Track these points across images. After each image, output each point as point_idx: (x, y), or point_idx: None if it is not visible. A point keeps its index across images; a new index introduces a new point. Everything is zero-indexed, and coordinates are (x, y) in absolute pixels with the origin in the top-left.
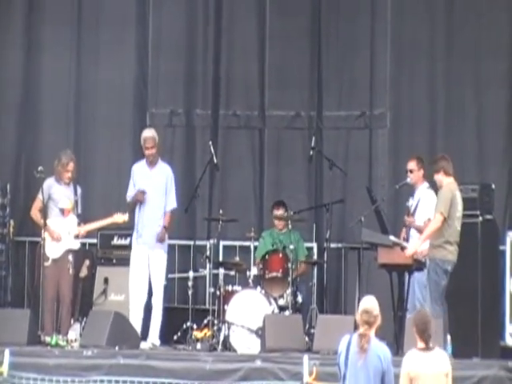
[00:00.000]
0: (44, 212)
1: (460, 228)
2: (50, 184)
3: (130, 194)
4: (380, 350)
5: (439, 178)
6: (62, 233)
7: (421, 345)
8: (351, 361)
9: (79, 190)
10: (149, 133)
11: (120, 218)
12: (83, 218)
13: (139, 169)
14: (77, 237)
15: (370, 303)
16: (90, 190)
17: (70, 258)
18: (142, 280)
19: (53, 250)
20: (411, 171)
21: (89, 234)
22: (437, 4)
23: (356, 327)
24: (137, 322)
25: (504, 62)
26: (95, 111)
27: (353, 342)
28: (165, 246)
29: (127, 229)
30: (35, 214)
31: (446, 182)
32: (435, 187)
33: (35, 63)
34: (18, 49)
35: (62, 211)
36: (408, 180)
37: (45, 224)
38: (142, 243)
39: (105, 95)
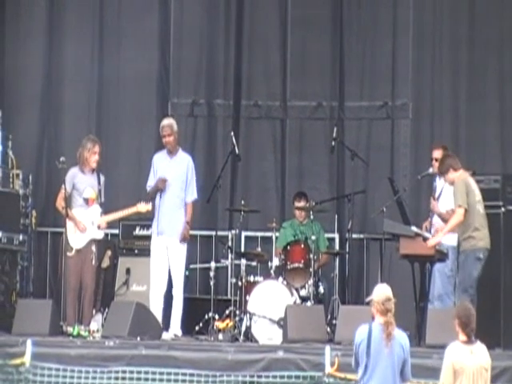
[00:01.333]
0: (68, 201)
1: (483, 211)
2: (74, 173)
3: (150, 184)
4: (401, 338)
5: (449, 176)
6: (86, 223)
7: (463, 337)
8: (375, 350)
9: (102, 179)
10: (165, 121)
11: (143, 207)
12: (105, 208)
13: (160, 158)
14: (99, 227)
15: (388, 290)
16: (112, 180)
17: (94, 248)
18: (162, 270)
19: (76, 240)
20: (436, 160)
21: (111, 224)
22: None
23: (372, 316)
24: (157, 312)
25: None
26: (117, 102)
27: (374, 331)
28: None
29: (149, 219)
30: (60, 203)
31: (455, 175)
32: None
33: (57, 54)
34: (40, 39)
35: (87, 201)
36: (430, 170)
37: (67, 214)
38: (162, 233)
39: (127, 85)
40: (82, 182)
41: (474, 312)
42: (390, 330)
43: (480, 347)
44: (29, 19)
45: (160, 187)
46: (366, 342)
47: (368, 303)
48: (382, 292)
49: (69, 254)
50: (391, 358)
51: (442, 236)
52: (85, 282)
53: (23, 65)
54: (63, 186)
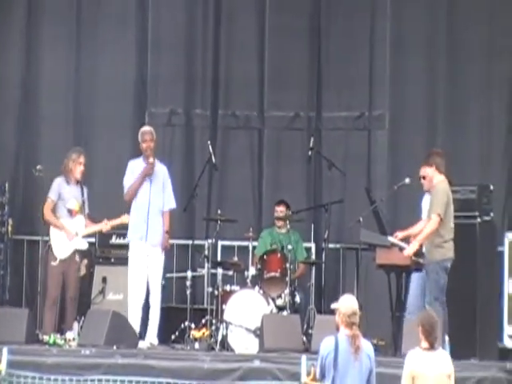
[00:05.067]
0: (53, 211)
1: (453, 225)
2: (60, 183)
3: (128, 184)
4: (368, 348)
5: (430, 172)
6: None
7: (425, 344)
8: (342, 362)
9: (86, 190)
10: (147, 127)
11: (127, 218)
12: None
13: (136, 165)
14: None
15: (355, 304)
16: (89, 189)
17: (77, 258)
18: (141, 278)
19: (61, 250)
20: (424, 178)
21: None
22: (438, 2)
23: (337, 328)
24: (135, 322)
25: (506, 62)
26: (94, 110)
27: (341, 343)
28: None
29: (125, 228)
30: (49, 214)
31: (438, 179)
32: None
33: (35, 62)
34: (17, 48)
35: (70, 212)
36: (407, 180)
37: (60, 224)
38: (142, 238)
39: (104, 94)
40: (67, 193)
41: (438, 320)
42: (358, 343)
43: (442, 354)
44: (6, 29)
45: (148, 173)
46: (332, 354)
47: (333, 311)
48: (349, 305)
49: (53, 263)
50: (360, 369)
51: (418, 245)
52: (69, 292)
53: (0, 74)
54: (50, 196)
